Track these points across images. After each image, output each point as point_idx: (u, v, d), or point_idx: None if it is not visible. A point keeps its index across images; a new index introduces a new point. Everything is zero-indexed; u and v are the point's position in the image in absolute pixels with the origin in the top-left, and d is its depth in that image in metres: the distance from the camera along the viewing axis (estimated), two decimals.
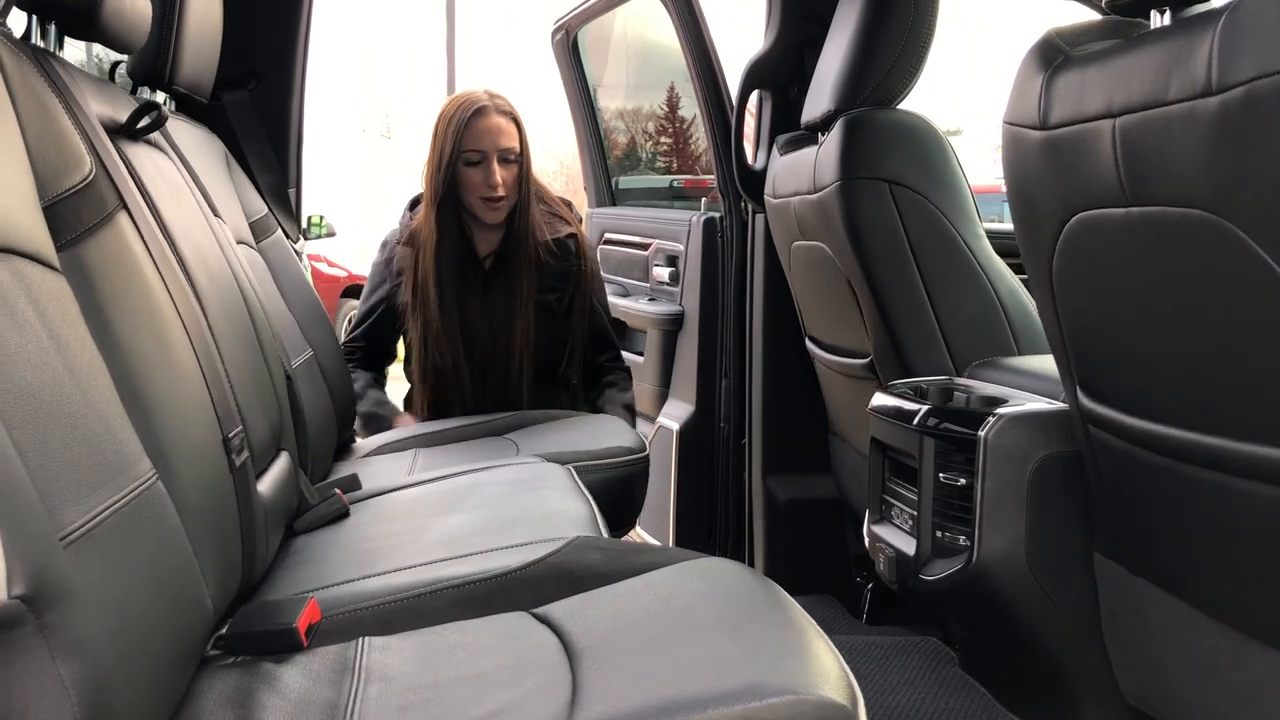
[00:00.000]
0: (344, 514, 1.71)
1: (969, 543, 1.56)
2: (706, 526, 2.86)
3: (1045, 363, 1.78)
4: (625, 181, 4.02)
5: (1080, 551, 1.50)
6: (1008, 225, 2.76)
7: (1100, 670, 1.51)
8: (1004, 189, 1.44)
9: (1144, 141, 1.10)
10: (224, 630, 1.21)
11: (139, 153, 1.49)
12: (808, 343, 2.46)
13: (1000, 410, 1.55)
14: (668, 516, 2.90)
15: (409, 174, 2.64)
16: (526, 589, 1.26)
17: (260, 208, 2.21)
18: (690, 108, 4.40)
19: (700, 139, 4.83)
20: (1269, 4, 0.94)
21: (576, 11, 3.33)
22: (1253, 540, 1.12)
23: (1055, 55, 1.27)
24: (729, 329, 2.80)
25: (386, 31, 14.68)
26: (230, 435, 1.32)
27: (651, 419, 3.05)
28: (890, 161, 1.94)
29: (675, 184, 4.55)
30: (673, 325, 2.98)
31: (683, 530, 2.86)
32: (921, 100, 2.16)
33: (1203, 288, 1.08)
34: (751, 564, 2.77)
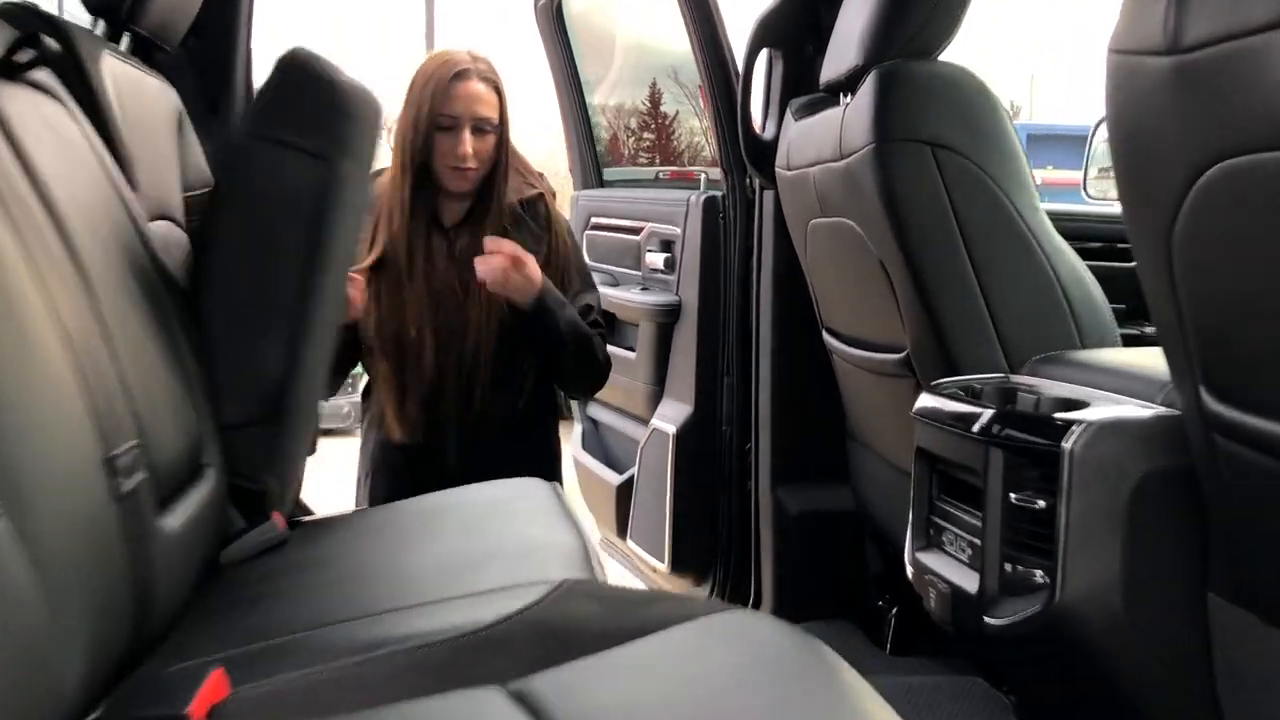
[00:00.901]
0: (279, 542, 1.42)
1: (1048, 579, 1.27)
2: (707, 542, 2.57)
3: (1124, 358, 1.50)
4: (610, 173, 3.74)
5: (1190, 592, 1.21)
6: (1060, 205, 2.49)
7: None
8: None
9: None
10: (98, 714, 0.92)
11: (15, 96, 1.19)
12: (824, 335, 2.17)
13: (1088, 415, 1.26)
14: (663, 531, 2.61)
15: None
16: (501, 654, 0.96)
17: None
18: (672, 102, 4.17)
19: (682, 132, 4.59)
20: None
21: None
22: None
23: None
24: (732, 320, 2.52)
25: (360, 3, 14.34)
26: (116, 453, 1.02)
27: (645, 421, 2.76)
28: (933, 120, 1.65)
29: (661, 175, 4.29)
30: (668, 317, 2.68)
31: (680, 546, 2.57)
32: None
33: None
34: (759, 583, 2.48)
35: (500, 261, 1.95)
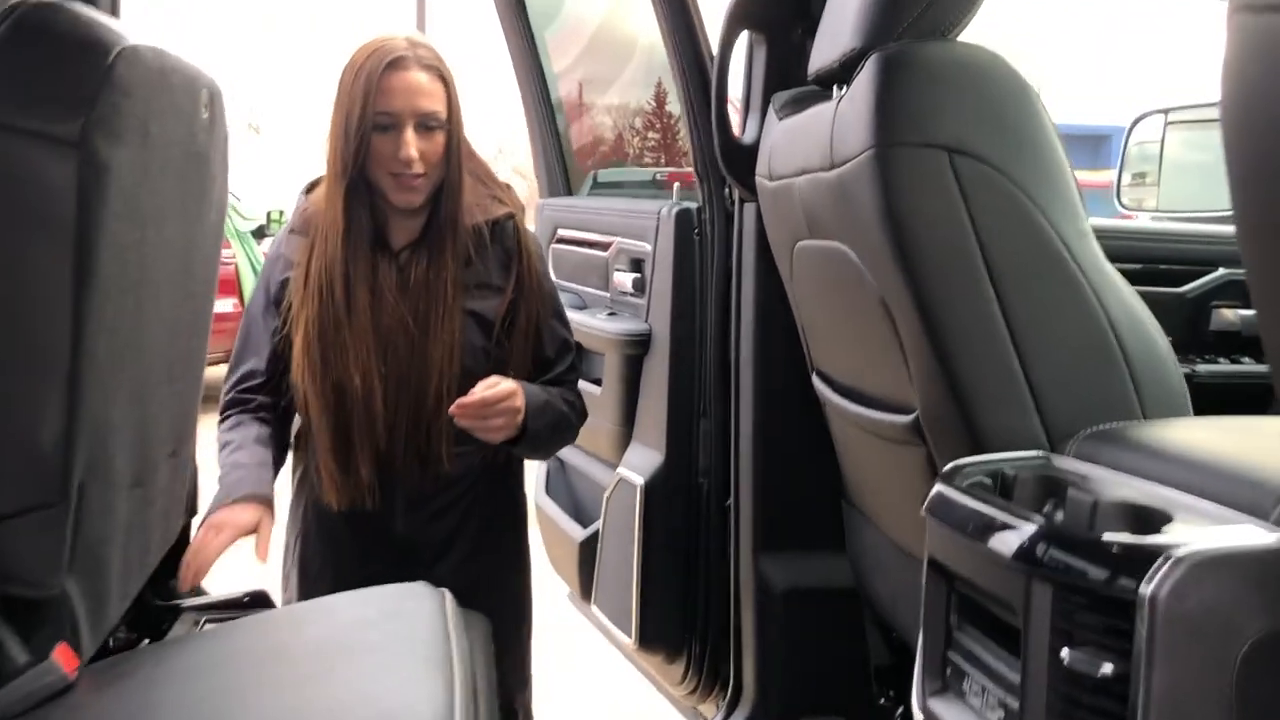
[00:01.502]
0: (61, 689, 1.05)
1: None
2: (681, 615, 2.19)
3: (1210, 437, 1.11)
4: (606, 174, 3.37)
5: None
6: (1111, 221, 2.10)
7: None
8: None
9: None
10: None
11: None
12: (815, 380, 1.78)
13: (1178, 541, 0.87)
14: (630, 598, 2.23)
15: None
16: None
17: None
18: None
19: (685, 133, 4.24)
20: None
21: None
22: None
23: None
24: (710, 355, 2.14)
25: (353, 21, 14.10)
26: None
27: (612, 466, 2.38)
28: (950, 118, 1.26)
29: (659, 176, 3.93)
30: (638, 348, 2.31)
31: (649, 619, 2.19)
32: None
33: None
34: (739, 669, 2.10)
35: (482, 414, 1.69)
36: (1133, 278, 1.63)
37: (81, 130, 1.10)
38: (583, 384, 2.09)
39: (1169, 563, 0.86)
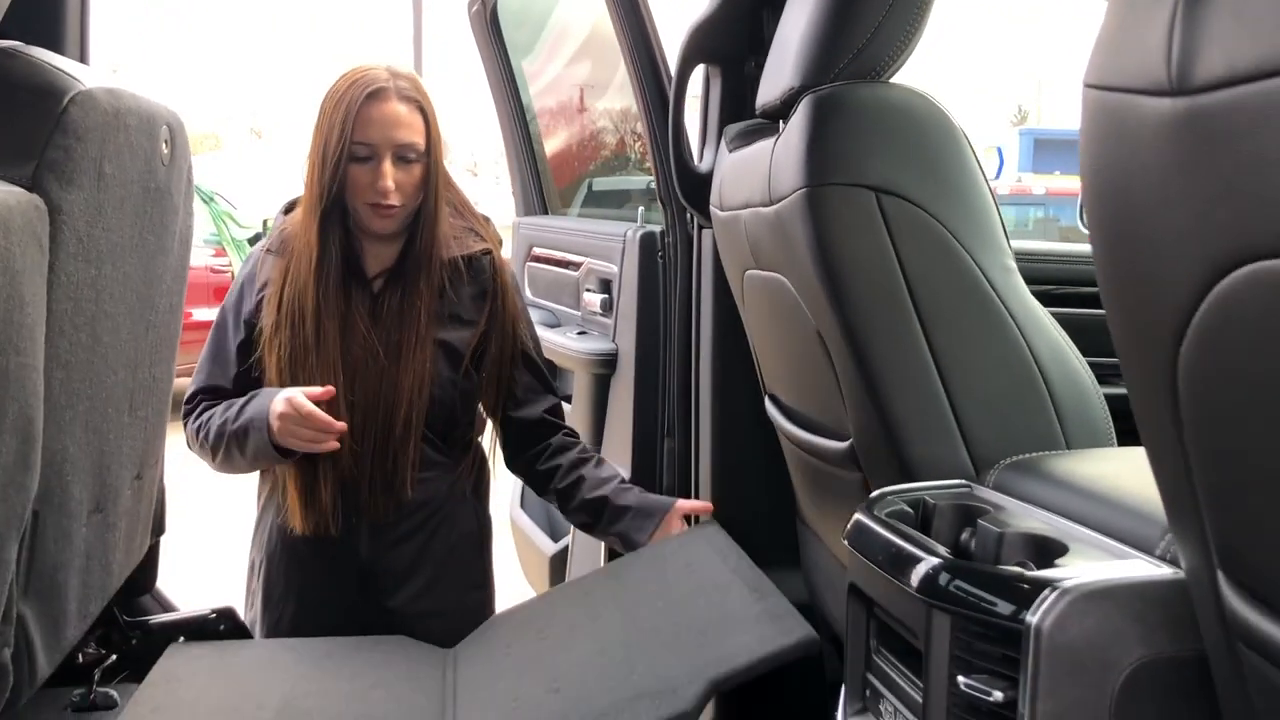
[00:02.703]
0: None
1: None
2: None
3: (1117, 469, 1.16)
4: (600, 183, 3.41)
5: None
6: (1025, 243, 2.15)
7: None
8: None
9: None
10: None
11: None
12: (767, 403, 1.83)
13: (1064, 577, 0.92)
14: None
15: None
16: None
17: None
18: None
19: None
20: None
21: None
22: None
23: None
24: (673, 375, 2.19)
25: (353, 23, 14.11)
26: None
27: None
28: (878, 159, 1.31)
29: (652, 185, 3.97)
30: (605, 367, 2.36)
31: None
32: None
33: None
34: None
35: None
36: (1061, 300, 1.68)
37: (34, 174, 1.15)
38: None
39: (1054, 594, 0.91)
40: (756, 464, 2.00)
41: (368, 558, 1.85)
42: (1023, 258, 1.47)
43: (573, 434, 1.99)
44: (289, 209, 1.92)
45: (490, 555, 2.02)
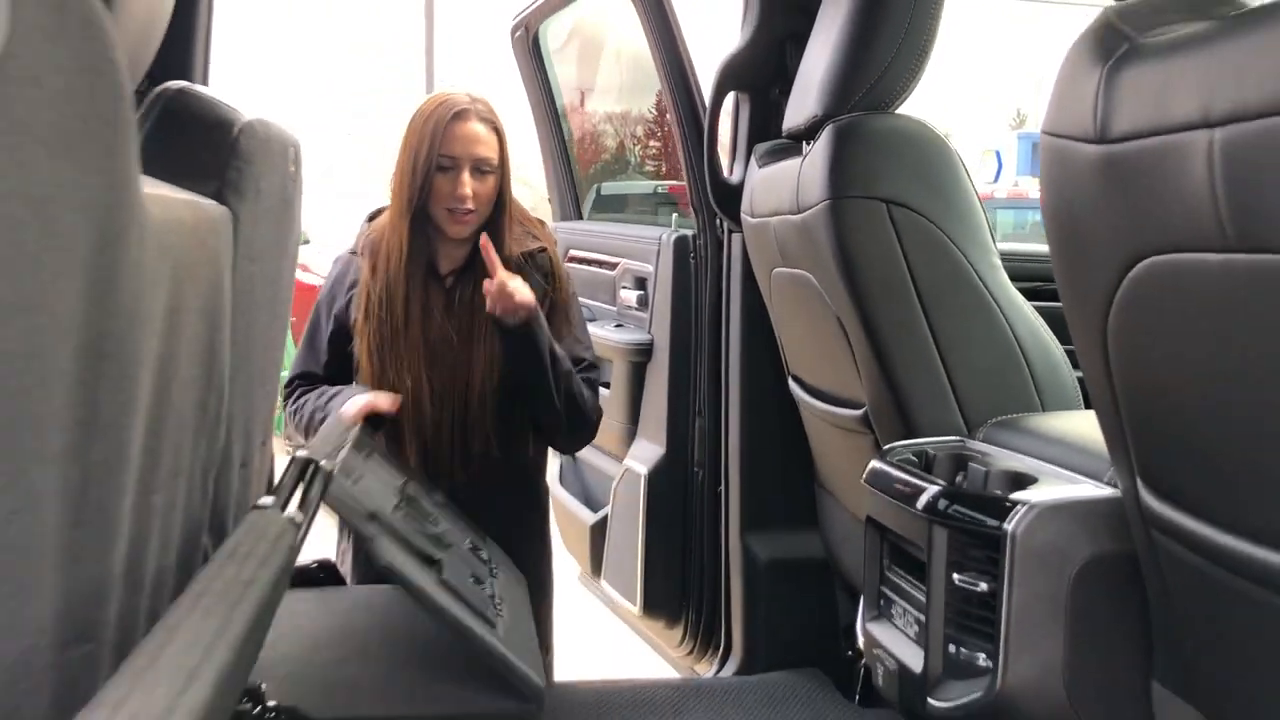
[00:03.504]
0: None
1: (991, 663, 1.23)
2: (679, 586, 2.54)
3: (1079, 424, 1.46)
4: (608, 187, 3.70)
5: (1135, 680, 1.17)
6: (1015, 245, 2.45)
7: None
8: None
9: (1255, 161, 0.78)
10: None
11: None
12: (791, 383, 2.13)
13: (1033, 496, 1.22)
14: (635, 571, 2.57)
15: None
16: None
17: None
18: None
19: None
20: None
21: (535, 7, 3.01)
22: None
23: (1117, 43, 0.95)
24: (703, 361, 2.48)
25: (365, 33, 14.36)
26: None
27: (619, 459, 2.72)
28: (888, 177, 1.61)
29: (660, 189, 4.26)
30: (641, 356, 2.65)
31: (651, 589, 2.53)
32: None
33: None
34: (729, 630, 2.44)
35: (510, 299, 1.94)
36: (1038, 294, 1.99)
37: (218, 190, 1.45)
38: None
39: (1025, 509, 1.21)
40: (778, 438, 2.29)
41: None
42: (1009, 258, 1.77)
43: (595, 380, 2.17)
44: (372, 217, 2.20)
45: (549, 525, 2.29)
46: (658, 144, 4.91)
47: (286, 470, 1.41)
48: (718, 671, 2.42)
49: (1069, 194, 1.01)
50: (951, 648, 1.28)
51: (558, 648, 2.38)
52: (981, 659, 1.24)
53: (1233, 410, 0.91)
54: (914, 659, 1.34)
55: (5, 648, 0.78)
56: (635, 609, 2.58)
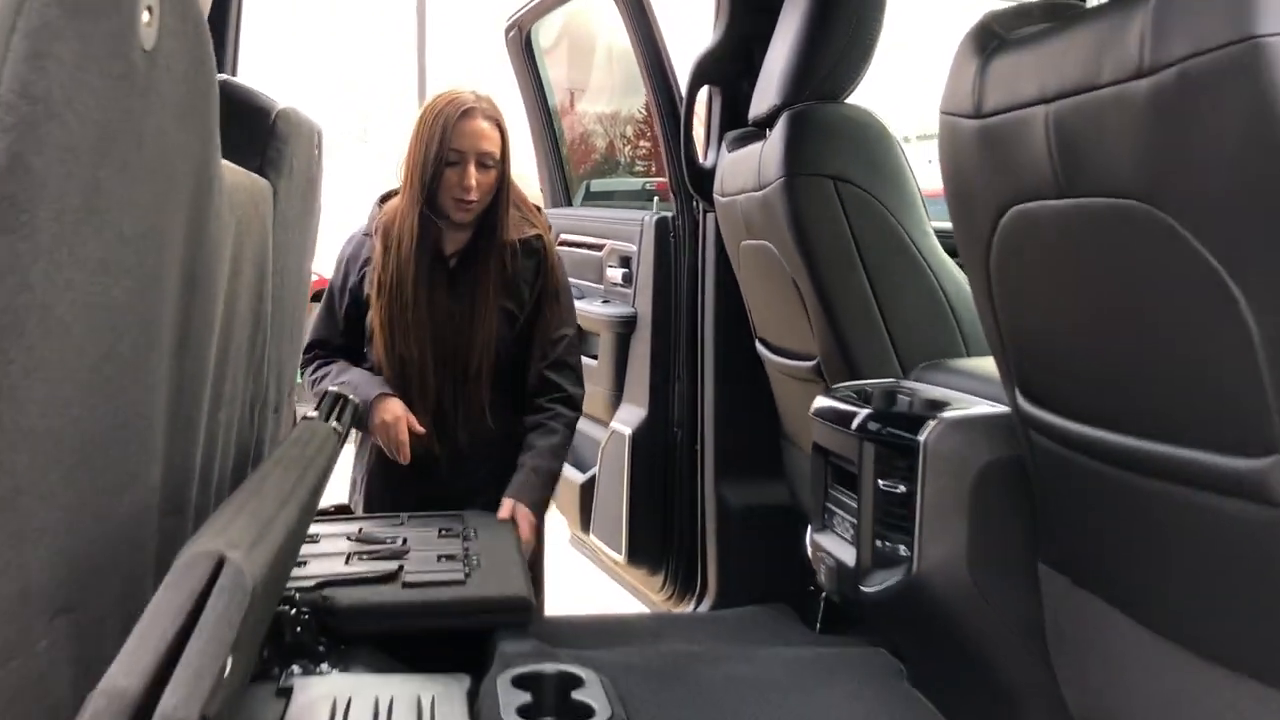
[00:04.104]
0: None
1: (909, 552, 1.49)
2: (661, 535, 2.79)
3: (991, 364, 1.72)
4: (598, 185, 3.94)
5: (1024, 562, 1.43)
6: (943, 224, 2.73)
7: (1046, 684, 1.44)
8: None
9: (1077, 128, 1.04)
10: None
11: None
12: (758, 345, 2.39)
13: (941, 414, 1.49)
14: (620, 523, 2.83)
15: (384, 174, 2.57)
16: None
17: None
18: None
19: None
20: None
21: (529, 8, 3.26)
22: (1180, 547, 1.06)
23: (990, 40, 1.21)
24: (682, 331, 2.74)
25: (357, 32, 14.55)
26: None
27: (605, 424, 2.98)
28: (835, 158, 1.88)
29: (647, 186, 4.50)
30: (626, 328, 2.91)
31: (636, 539, 2.79)
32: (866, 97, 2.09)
33: (1135, 282, 1.02)
34: (704, 572, 2.70)
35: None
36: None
37: (260, 166, 1.70)
38: (584, 359, 2.68)
39: (935, 423, 1.47)
40: (748, 397, 2.55)
41: (448, 477, 2.36)
42: (943, 234, 2.03)
43: (562, 399, 2.38)
44: (384, 200, 2.43)
45: None
46: (648, 144, 5.15)
47: (322, 400, 1.66)
48: (695, 607, 2.68)
49: (959, 160, 1.27)
50: (878, 542, 1.54)
51: (549, 600, 2.62)
52: (902, 549, 1.51)
53: (1079, 325, 1.17)
54: (849, 556, 1.60)
55: (132, 511, 1.03)
56: (621, 558, 2.83)
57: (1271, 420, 0.90)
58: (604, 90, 4.27)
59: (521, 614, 1.73)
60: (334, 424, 1.46)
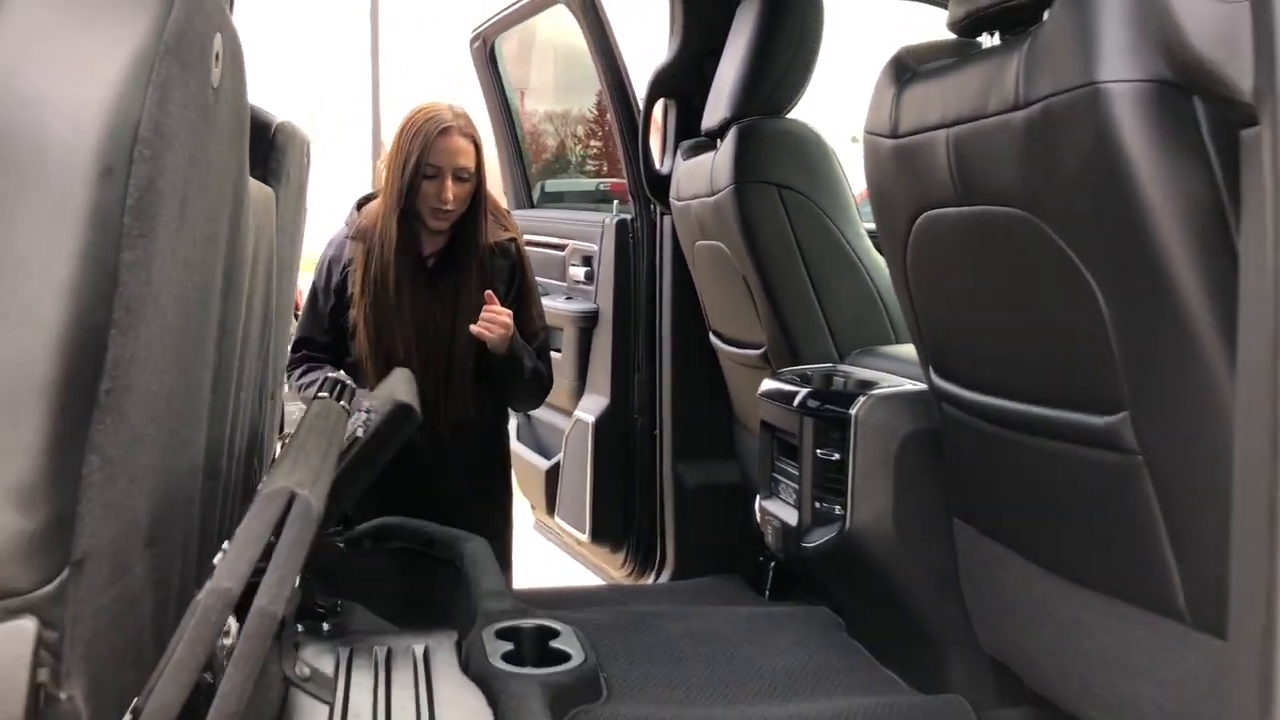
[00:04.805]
0: None
1: (843, 512, 1.72)
2: (622, 515, 3.00)
3: (914, 350, 1.96)
4: (552, 185, 4.13)
5: (941, 517, 1.66)
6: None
7: (961, 624, 1.67)
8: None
9: (971, 149, 1.27)
10: None
11: None
12: (711, 337, 2.61)
13: (871, 392, 1.71)
14: (584, 505, 3.03)
15: (341, 178, 2.73)
16: None
17: None
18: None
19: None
20: (1061, 29, 1.10)
21: (493, 21, 3.46)
22: (1059, 492, 1.29)
23: (904, 71, 1.44)
24: (641, 325, 2.94)
25: (308, 35, 14.60)
26: None
27: (569, 413, 3.18)
28: (779, 167, 2.10)
29: (601, 187, 4.67)
30: (588, 322, 3.11)
31: (599, 519, 2.99)
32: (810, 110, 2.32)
33: (1018, 275, 1.25)
34: (663, 548, 2.92)
35: (497, 329, 2.31)
36: None
37: (262, 176, 1.89)
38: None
39: (865, 398, 1.70)
40: (703, 385, 2.76)
41: (428, 463, 2.53)
42: (875, 235, 2.26)
43: (541, 370, 2.54)
44: (361, 204, 2.59)
45: (510, 470, 2.68)
46: (599, 144, 5.30)
47: (323, 383, 1.86)
48: (655, 579, 2.89)
49: (880, 172, 1.50)
50: (816, 504, 1.76)
51: (516, 582, 2.81)
52: (837, 509, 1.73)
53: (978, 311, 1.40)
54: (792, 518, 1.82)
55: (190, 469, 1.22)
56: (585, 537, 3.04)
57: (1119, 384, 1.13)
58: (553, 89, 4.41)
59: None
60: (342, 404, 1.65)
